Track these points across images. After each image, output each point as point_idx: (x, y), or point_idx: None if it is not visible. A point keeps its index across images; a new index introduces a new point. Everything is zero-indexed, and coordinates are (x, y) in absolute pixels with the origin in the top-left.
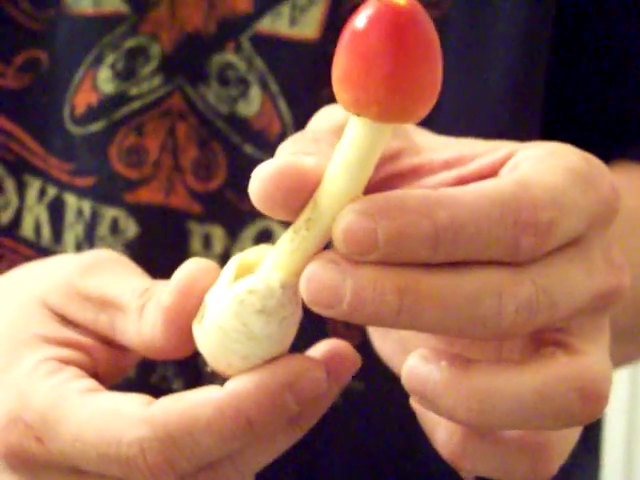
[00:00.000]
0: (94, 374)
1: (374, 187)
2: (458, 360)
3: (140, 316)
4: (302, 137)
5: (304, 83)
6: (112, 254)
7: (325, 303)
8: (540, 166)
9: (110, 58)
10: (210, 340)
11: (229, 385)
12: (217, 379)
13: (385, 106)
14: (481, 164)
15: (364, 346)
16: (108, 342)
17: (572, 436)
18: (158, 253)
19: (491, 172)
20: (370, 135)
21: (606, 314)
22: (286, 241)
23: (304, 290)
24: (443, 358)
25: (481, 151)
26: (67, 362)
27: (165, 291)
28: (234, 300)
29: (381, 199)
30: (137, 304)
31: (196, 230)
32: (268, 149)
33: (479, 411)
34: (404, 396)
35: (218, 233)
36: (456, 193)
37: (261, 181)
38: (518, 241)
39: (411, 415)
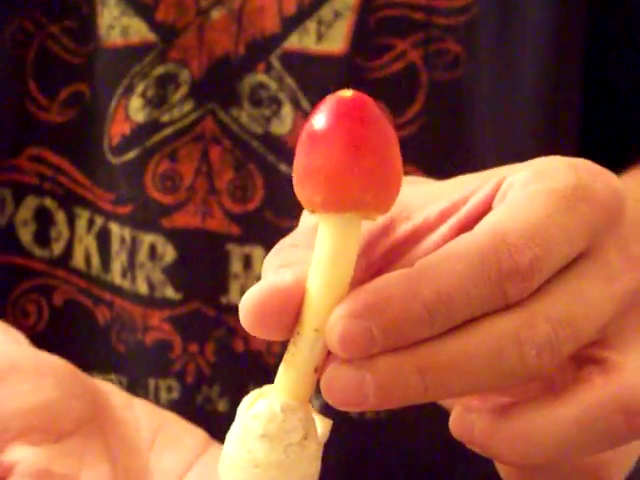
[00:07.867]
0: None
1: (374, 266)
2: (498, 406)
3: None
4: (283, 245)
5: None
6: None
7: (353, 403)
8: (522, 196)
9: (140, 87)
10: (223, 469)
11: None
12: None
13: (338, 198)
14: (475, 204)
15: None
16: None
17: (633, 445)
18: (198, 276)
19: (485, 208)
20: (338, 232)
21: None
22: (283, 360)
23: (328, 397)
24: (484, 407)
25: (471, 190)
26: None
27: None
28: (240, 426)
29: (364, 295)
30: None
31: (236, 252)
32: None
33: (524, 453)
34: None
35: (258, 253)
36: (435, 262)
37: (248, 311)
38: (505, 290)
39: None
